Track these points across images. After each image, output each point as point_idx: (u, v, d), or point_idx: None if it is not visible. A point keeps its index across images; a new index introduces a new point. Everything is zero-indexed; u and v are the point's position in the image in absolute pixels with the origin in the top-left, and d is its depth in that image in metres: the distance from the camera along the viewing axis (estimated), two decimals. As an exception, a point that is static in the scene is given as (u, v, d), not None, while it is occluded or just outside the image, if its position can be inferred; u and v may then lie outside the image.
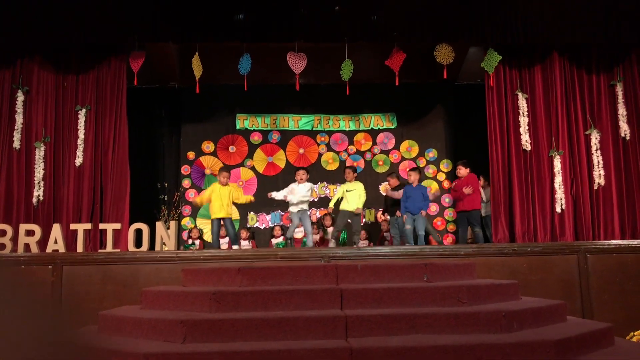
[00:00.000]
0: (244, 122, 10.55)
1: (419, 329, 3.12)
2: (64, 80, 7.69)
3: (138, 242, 6.52)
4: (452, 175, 9.93)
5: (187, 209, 10.15)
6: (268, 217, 10.30)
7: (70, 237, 6.83)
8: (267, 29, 7.55)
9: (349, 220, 7.74)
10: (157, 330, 3.19)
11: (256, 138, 10.55)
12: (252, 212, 10.24)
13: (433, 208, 10.31)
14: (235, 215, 9.39)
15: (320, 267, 3.79)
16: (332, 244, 7.47)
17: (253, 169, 10.46)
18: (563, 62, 7.98)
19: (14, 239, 6.36)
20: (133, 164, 7.71)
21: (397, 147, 10.62)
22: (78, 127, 7.54)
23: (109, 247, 6.46)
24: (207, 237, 9.82)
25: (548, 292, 5.39)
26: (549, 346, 2.89)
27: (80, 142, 7.50)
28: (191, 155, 10.36)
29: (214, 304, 3.32)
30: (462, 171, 7.76)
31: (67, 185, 7.44)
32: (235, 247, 7.17)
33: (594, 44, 7.89)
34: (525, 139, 7.73)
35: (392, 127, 10.68)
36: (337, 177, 10.20)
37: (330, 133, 10.66)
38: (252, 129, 10.55)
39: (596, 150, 7.74)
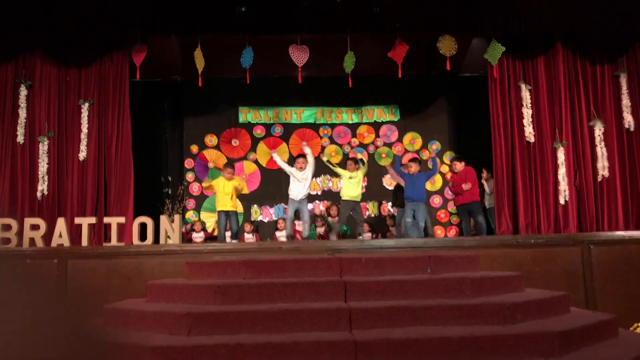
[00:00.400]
0: (246, 115, 10.55)
1: (422, 321, 3.13)
2: (66, 75, 7.70)
3: (142, 236, 6.55)
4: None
5: (191, 202, 10.17)
6: (272, 211, 10.31)
7: (74, 231, 6.87)
8: (269, 21, 7.53)
9: (350, 213, 7.75)
10: (162, 323, 3.21)
11: (259, 131, 10.55)
12: (255, 206, 10.26)
13: (436, 200, 10.31)
14: (240, 209, 9.40)
15: (324, 260, 3.80)
16: (333, 237, 7.48)
17: (256, 162, 10.46)
18: (566, 53, 7.94)
19: (19, 234, 6.39)
20: (136, 158, 7.72)
21: (400, 139, 10.61)
22: (81, 122, 7.55)
23: (114, 241, 6.49)
24: (210, 229, 9.85)
25: (551, 284, 5.39)
26: (552, 337, 2.90)
27: (83, 136, 7.52)
28: (194, 148, 10.37)
29: (219, 296, 3.33)
30: (458, 166, 7.74)
31: (71, 180, 7.47)
32: (234, 241, 7.18)
33: (597, 34, 7.85)
34: (529, 130, 7.71)
35: (395, 119, 10.66)
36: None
37: (333, 126, 10.65)
38: (254, 122, 10.55)
39: (600, 141, 7.72)
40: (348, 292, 3.40)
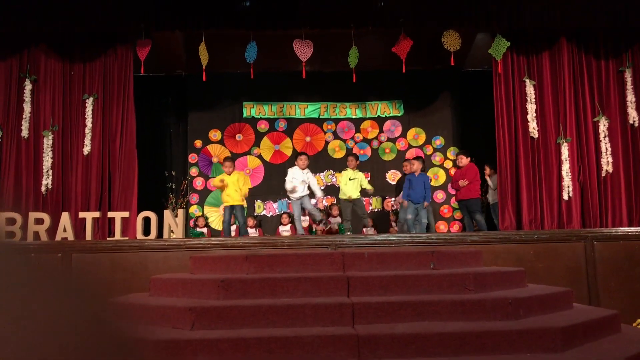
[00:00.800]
0: (250, 110, 10.55)
1: (425, 316, 3.14)
2: (71, 69, 7.71)
3: (146, 230, 6.57)
4: (459, 163, 9.90)
5: (194, 197, 10.20)
6: (275, 205, 10.32)
7: (78, 226, 6.90)
8: (274, 16, 7.52)
9: (354, 207, 7.76)
10: (166, 317, 3.23)
11: (263, 126, 10.55)
12: (259, 200, 10.27)
13: (440, 196, 10.30)
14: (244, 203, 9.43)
15: (327, 255, 3.82)
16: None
17: (260, 157, 10.47)
18: (571, 48, 7.90)
19: (24, 227, 6.42)
20: (140, 152, 7.74)
21: (404, 134, 10.59)
22: (86, 116, 7.57)
23: (118, 235, 6.51)
24: (214, 224, 9.88)
25: (555, 280, 5.39)
26: (555, 333, 2.90)
27: (88, 130, 7.53)
28: (198, 143, 10.38)
29: (222, 291, 3.35)
30: (464, 161, 7.73)
31: (75, 174, 7.49)
32: (249, 230, 7.24)
33: (602, 30, 7.81)
34: (533, 126, 7.69)
35: (399, 114, 10.64)
36: (343, 165, 10.18)
37: (336, 121, 10.64)
38: (258, 117, 10.55)
39: (604, 137, 7.69)
40: (351, 287, 3.41)
